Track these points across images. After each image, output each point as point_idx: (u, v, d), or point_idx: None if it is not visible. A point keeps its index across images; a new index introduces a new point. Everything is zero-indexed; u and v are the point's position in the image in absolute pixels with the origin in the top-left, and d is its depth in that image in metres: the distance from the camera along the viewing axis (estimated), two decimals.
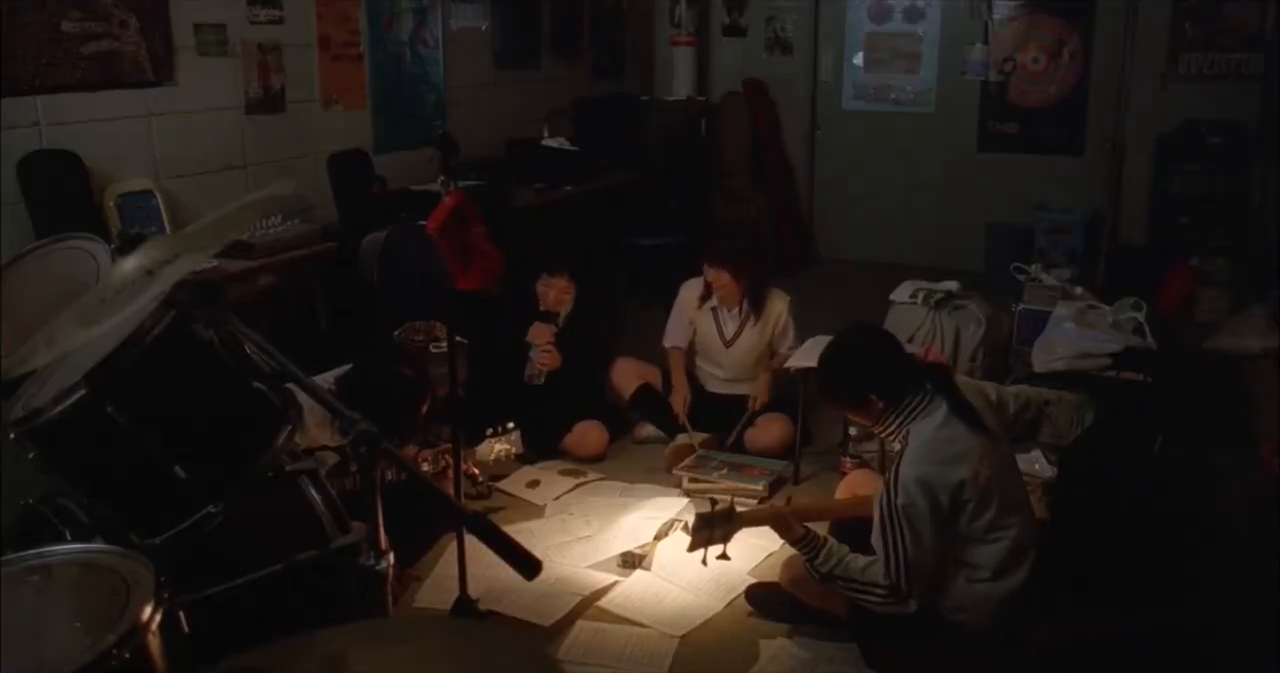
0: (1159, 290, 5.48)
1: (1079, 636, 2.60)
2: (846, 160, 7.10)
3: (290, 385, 1.97)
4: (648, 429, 4.14)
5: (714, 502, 2.89)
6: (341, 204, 4.39)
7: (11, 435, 1.88)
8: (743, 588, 2.99)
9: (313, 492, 2.06)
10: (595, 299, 4.31)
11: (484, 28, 5.55)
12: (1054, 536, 2.85)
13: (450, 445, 2.98)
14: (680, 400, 4.01)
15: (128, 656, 1.37)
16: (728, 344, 4.11)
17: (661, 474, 3.81)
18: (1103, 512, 3.02)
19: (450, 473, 3.04)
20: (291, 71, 4.27)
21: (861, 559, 2.51)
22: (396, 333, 3.92)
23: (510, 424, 3.58)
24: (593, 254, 5.07)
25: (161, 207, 3.64)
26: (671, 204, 6.42)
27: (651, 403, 4.12)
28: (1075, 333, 4.19)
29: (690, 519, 3.12)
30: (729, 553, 2.85)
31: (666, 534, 3.25)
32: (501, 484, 3.72)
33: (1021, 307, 4.66)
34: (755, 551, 3.19)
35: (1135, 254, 6.14)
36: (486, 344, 4.03)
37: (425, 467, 3.29)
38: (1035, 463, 3.30)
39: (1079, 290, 4.69)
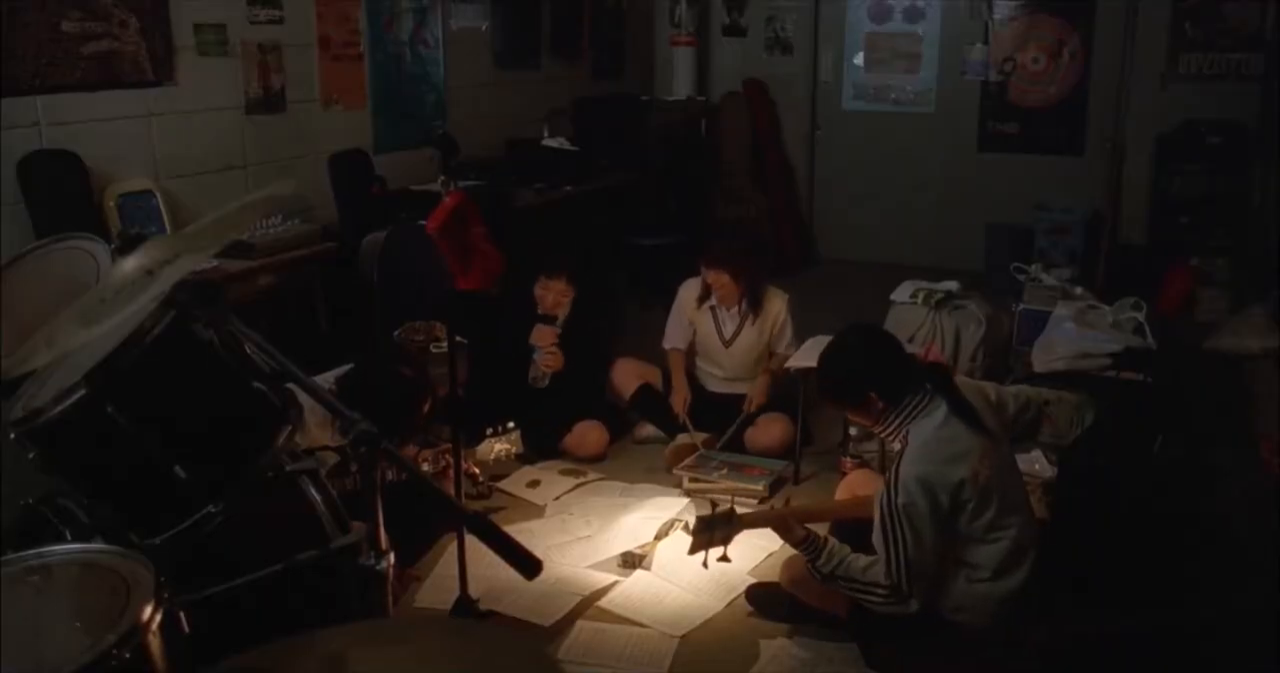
0: (1159, 290, 5.47)
1: (1079, 636, 2.60)
2: (846, 160, 7.09)
3: (290, 385, 1.97)
4: (648, 429, 4.15)
5: (714, 503, 2.89)
6: (341, 204, 4.39)
7: (11, 435, 1.88)
8: (743, 588, 2.99)
9: (313, 492, 2.06)
10: (595, 299, 4.31)
11: (484, 28, 5.55)
12: (1054, 536, 2.85)
13: (450, 445, 2.98)
14: (680, 400, 4.01)
15: (128, 656, 1.37)
16: (727, 344, 4.11)
17: (662, 474, 3.81)
18: (1103, 512, 3.02)
19: (450, 473, 3.04)
20: (291, 71, 4.27)
21: (863, 559, 2.51)
22: (396, 333, 3.92)
23: (510, 424, 3.57)
24: (592, 254, 5.07)
25: (161, 207, 3.64)
26: (671, 204, 6.41)
27: (652, 403, 4.12)
28: (1075, 333, 4.18)
29: (690, 519, 3.13)
30: (730, 555, 2.85)
31: (667, 534, 3.25)
32: (502, 484, 3.72)
33: (1021, 307, 4.66)
34: (755, 551, 3.18)
35: (1135, 254, 6.14)
36: (486, 344, 4.02)
37: (425, 467, 3.29)
38: (1035, 463, 3.30)
39: (1079, 290, 4.68)
